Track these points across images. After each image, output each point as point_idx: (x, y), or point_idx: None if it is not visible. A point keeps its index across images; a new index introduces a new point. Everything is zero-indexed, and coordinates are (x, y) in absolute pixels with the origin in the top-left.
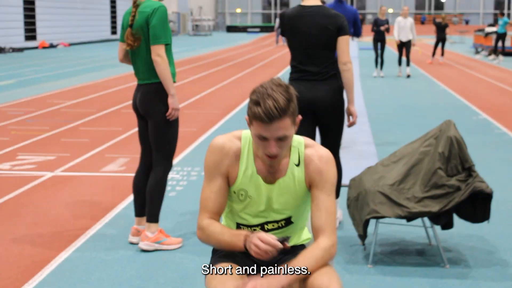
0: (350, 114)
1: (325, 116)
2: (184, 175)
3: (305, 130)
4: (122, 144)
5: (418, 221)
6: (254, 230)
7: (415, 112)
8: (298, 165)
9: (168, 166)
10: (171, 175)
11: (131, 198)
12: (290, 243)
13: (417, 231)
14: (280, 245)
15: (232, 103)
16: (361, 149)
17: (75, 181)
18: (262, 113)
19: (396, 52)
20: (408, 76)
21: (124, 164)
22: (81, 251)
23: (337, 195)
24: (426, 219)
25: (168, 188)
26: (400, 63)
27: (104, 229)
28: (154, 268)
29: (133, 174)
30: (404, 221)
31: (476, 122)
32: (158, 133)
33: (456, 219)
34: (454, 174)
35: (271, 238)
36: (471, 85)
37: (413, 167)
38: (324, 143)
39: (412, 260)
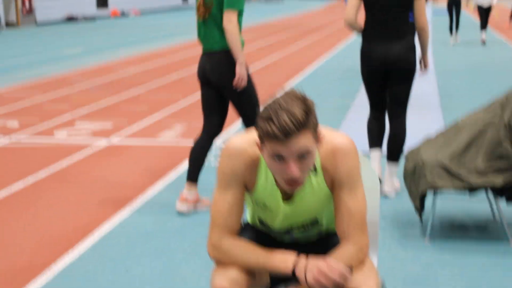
0: (422, 63)
1: (397, 72)
2: None
3: (377, 91)
4: (181, 112)
5: (480, 195)
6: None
7: (485, 76)
8: (315, 170)
9: None
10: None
11: (184, 167)
12: (324, 231)
13: (479, 205)
14: (349, 275)
15: (298, 68)
16: (425, 100)
17: (130, 149)
18: (276, 129)
19: (473, 18)
20: (483, 42)
21: (180, 132)
22: (126, 222)
23: (398, 158)
24: (490, 192)
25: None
26: (482, 28)
27: (153, 199)
28: (199, 242)
29: (189, 143)
30: (464, 194)
31: None
32: (241, 100)
33: None
34: None
35: (340, 266)
36: None
37: (475, 138)
38: (392, 102)
39: (472, 236)
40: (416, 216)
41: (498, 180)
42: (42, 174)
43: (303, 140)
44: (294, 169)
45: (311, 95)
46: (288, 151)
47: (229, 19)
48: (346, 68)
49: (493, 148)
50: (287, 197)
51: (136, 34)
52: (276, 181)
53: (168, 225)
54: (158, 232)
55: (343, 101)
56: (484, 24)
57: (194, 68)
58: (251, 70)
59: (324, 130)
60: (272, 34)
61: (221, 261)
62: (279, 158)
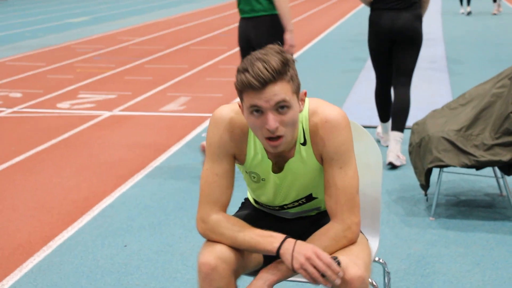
0: None
1: (404, 40)
2: None
3: (383, 62)
4: (185, 82)
5: (487, 171)
6: (275, 209)
7: (495, 45)
8: (304, 143)
9: None
10: None
11: (186, 139)
12: (322, 209)
13: (486, 181)
14: (338, 269)
15: (305, 39)
16: (433, 65)
17: (132, 121)
18: (251, 78)
19: None
20: (495, 13)
21: (184, 104)
22: (126, 195)
23: (402, 127)
24: (497, 168)
25: None
26: (494, 0)
27: (155, 171)
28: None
29: (192, 114)
30: (471, 170)
31: None
32: None
33: None
34: None
35: (330, 258)
36: None
37: (483, 110)
38: (397, 71)
39: (479, 213)
40: (421, 192)
41: (506, 156)
42: (43, 145)
43: (280, 90)
44: (271, 121)
45: (322, 59)
46: (264, 101)
47: None
48: (357, 33)
49: (501, 122)
50: (278, 167)
51: (143, 2)
52: (267, 151)
53: (168, 199)
54: (157, 206)
55: (354, 65)
56: None
57: (200, 38)
58: None
59: (316, 101)
60: None
61: (209, 236)
62: (257, 111)
